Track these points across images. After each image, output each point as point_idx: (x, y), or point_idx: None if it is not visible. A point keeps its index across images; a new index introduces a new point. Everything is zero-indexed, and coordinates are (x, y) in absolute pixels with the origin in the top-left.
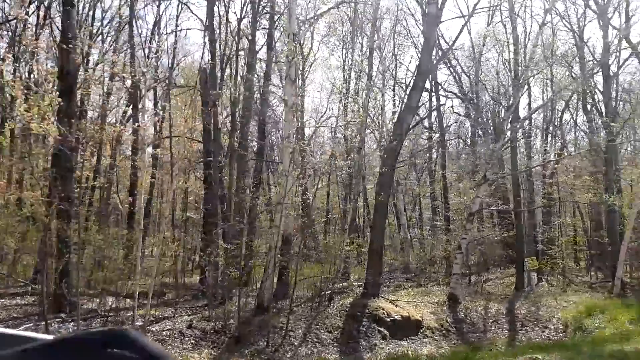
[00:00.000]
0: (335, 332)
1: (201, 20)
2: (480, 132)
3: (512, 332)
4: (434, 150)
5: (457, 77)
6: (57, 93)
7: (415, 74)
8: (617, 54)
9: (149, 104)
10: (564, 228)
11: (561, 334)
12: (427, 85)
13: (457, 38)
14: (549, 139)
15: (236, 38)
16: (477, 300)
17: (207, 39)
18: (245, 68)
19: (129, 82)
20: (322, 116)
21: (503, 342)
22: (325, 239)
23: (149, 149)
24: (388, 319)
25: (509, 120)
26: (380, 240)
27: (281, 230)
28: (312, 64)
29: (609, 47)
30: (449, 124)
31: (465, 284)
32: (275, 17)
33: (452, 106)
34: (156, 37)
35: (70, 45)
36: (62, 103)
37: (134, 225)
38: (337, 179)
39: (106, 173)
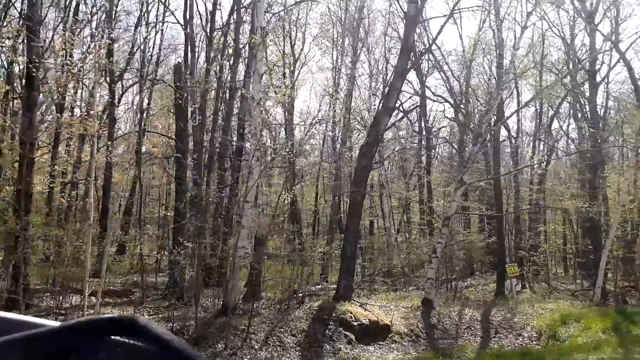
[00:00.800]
0: (300, 335)
1: (180, 20)
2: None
3: (484, 339)
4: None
5: (447, 82)
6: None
7: (393, 74)
8: (605, 60)
9: (133, 99)
10: (553, 235)
11: (534, 342)
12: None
13: (435, 38)
14: (540, 146)
15: (212, 33)
16: (453, 305)
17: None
18: (228, 65)
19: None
20: (314, 118)
21: (473, 349)
22: (305, 241)
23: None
24: (355, 323)
25: (488, 124)
26: (354, 242)
27: (244, 228)
28: (302, 64)
29: (595, 52)
30: (438, 129)
31: (445, 290)
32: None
33: (443, 110)
34: (139, 30)
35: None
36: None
37: (106, 222)
38: (323, 181)
39: (82, 168)
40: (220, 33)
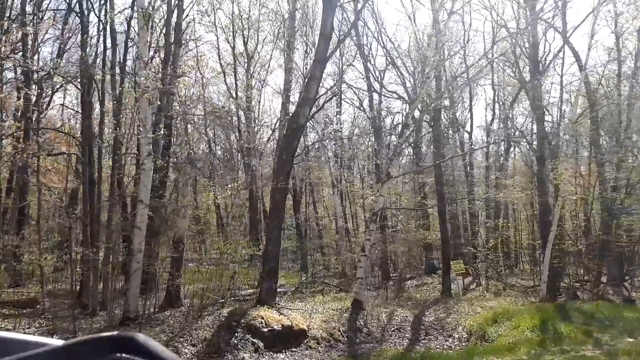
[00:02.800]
0: (201, 345)
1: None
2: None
3: (412, 341)
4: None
5: (401, 77)
6: None
7: (312, 63)
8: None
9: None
10: (511, 230)
11: (464, 343)
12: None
13: (352, 25)
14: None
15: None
16: (389, 306)
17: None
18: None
19: None
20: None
21: (395, 353)
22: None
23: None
24: (265, 329)
25: (413, 114)
26: (277, 242)
27: (140, 230)
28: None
29: (537, 44)
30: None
31: (385, 290)
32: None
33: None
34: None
35: None
36: None
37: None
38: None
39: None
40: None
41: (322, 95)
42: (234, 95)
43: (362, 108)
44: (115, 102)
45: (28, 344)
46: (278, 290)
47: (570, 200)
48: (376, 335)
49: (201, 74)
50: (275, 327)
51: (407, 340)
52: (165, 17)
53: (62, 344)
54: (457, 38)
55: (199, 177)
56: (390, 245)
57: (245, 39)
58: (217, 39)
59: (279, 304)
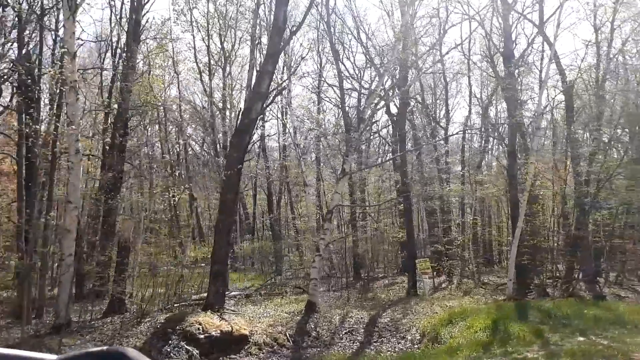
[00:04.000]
0: None
1: None
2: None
3: (363, 345)
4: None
5: (378, 74)
6: None
7: (264, 57)
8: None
9: None
10: (493, 227)
11: (416, 345)
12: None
13: (303, 21)
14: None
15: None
16: (346, 307)
17: None
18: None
19: None
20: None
21: (341, 358)
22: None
23: None
24: (202, 336)
25: (370, 108)
26: (225, 244)
27: (69, 232)
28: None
29: (510, 36)
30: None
31: (347, 291)
32: None
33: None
34: None
35: None
36: None
37: None
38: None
39: None
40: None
41: (273, 90)
42: (214, 94)
43: (340, 106)
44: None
45: (21, 358)
46: (234, 293)
47: (547, 197)
48: (325, 339)
49: (176, 73)
50: (214, 333)
51: (357, 344)
52: (128, 14)
53: (55, 359)
54: (432, 32)
55: (156, 178)
56: (362, 245)
57: (222, 38)
58: (194, 38)
59: (228, 309)
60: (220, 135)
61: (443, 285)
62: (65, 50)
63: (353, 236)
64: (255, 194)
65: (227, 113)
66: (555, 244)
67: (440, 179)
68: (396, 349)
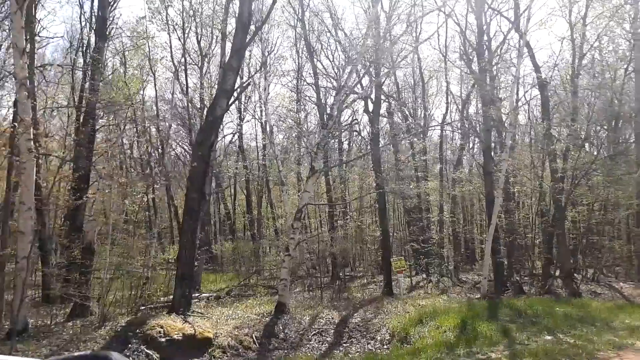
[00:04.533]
0: None
1: None
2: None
3: (332, 346)
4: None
5: (357, 72)
6: None
7: (230, 52)
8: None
9: None
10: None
11: (386, 346)
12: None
13: (267, 16)
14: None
15: None
16: (318, 308)
17: None
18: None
19: None
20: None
21: (308, 359)
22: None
23: None
24: (163, 339)
25: (339, 106)
26: (192, 246)
27: (24, 235)
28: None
29: (482, 31)
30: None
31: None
32: None
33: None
34: None
35: None
36: None
37: None
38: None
39: None
40: None
41: (238, 87)
42: (193, 95)
43: (319, 104)
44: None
45: None
46: (205, 295)
47: (527, 194)
48: (293, 341)
49: (153, 73)
50: (175, 336)
51: (326, 345)
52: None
53: None
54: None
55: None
56: (340, 244)
57: (199, 37)
58: (170, 37)
59: (196, 311)
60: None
61: (421, 284)
62: (14, 45)
63: (330, 235)
64: (235, 193)
65: (205, 112)
66: (532, 242)
67: (417, 177)
68: (365, 350)
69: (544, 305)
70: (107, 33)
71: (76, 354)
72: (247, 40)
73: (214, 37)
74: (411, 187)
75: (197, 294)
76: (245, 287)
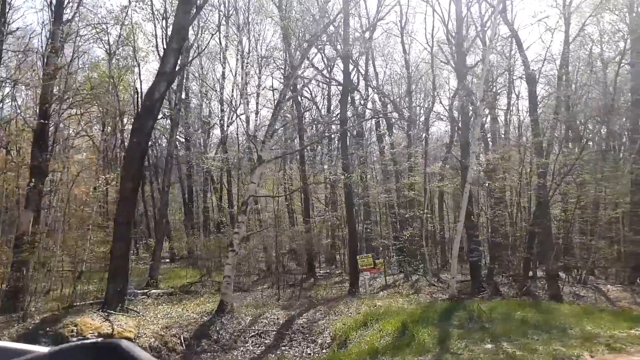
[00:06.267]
0: None
1: None
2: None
3: (268, 349)
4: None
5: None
6: None
7: (170, 33)
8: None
9: None
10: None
11: (325, 350)
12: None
13: None
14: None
15: None
16: (263, 307)
17: None
18: None
19: None
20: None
21: None
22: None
23: None
24: (74, 339)
25: (288, 90)
26: (125, 239)
27: None
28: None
29: (462, 21)
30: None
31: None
32: None
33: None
34: None
35: None
36: None
37: None
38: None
39: None
40: None
41: (178, 69)
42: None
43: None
44: None
45: (14, 351)
46: (155, 292)
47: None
48: (225, 343)
49: (137, 62)
50: (89, 336)
51: (263, 347)
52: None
53: (47, 351)
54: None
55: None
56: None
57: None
58: (155, 27)
59: (131, 308)
60: (181, 127)
61: (397, 283)
62: None
63: (291, 230)
64: (210, 187)
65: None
66: (514, 241)
67: (397, 172)
68: (303, 354)
69: (507, 308)
70: (65, 19)
71: (87, 341)
72: (189, 19)
73: (199, 27)
74: (393, 183)
75: (146, 290)
76: (203, 284)
